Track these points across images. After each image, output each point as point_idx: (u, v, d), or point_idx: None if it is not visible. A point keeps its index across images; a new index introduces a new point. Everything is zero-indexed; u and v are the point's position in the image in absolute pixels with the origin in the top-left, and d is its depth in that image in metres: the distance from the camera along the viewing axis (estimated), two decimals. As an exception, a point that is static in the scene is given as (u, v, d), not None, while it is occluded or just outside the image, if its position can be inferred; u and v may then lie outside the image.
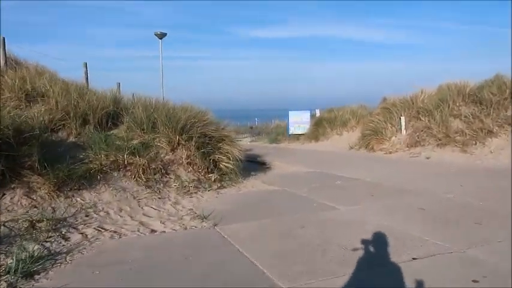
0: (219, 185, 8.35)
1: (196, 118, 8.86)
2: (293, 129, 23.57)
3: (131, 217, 5.68)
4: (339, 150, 16.28)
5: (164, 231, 5.20)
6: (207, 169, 8.45)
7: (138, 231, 5.18)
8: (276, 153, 16.28)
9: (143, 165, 6.99)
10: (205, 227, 5.34)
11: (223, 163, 9.09)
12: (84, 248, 4.43)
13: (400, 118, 14.19)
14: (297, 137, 23.05)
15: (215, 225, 5.39)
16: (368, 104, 20.85)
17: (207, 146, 8.80)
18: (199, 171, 8.22)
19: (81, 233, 4.86)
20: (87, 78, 11.48)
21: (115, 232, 5.08)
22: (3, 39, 8.74)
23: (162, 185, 7.06)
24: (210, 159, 8.66)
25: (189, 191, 7.23)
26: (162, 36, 21.72)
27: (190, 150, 8.34)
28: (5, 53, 8.76)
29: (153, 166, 7.21)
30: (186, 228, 5.32)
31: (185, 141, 8.34)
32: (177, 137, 8.24)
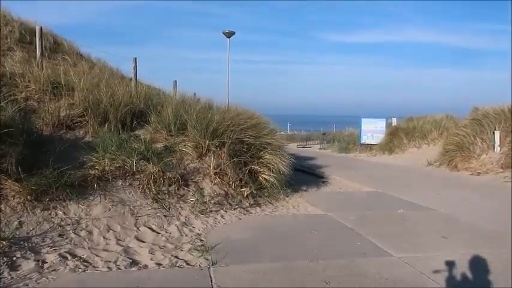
0: (252, 201, 7.00)
1: (232, 121, 7.61)
2: (365, 139, 21.35)
3: (118, 240, 4.59)
4: (414, 166, 13.95)
5: (145, 266, 4.00)
6: (240, 181, 7.15)
7: (115, 262, 4.04)
8: (340, 165, 14.47)
9: (156, 173, 5.90)
10: (198, 266, 4.03)
11: (263, 175, 7.73)
12: (26, 285, 3.38)
13: (493, 133, 11.58)
14: (370, 147, 20.78)
15: (213, 264, 4.06)
16: (457, 114, 17.98)
17: (244, 155, 7.51)
18: (229, 184, 6.95)
19: (38, 261, 3.84)
20: (135, 74, 10.87)
21: (84, 262, 3.99)
22: (41, 28, 8.34)
23: (176, 199, 5.91)
24: (246, 170, 7.35)
25: (207, 208, 5.98)
26: (230, 35, 20.95)
27: (221, 158, 7.11)
28: (42, 43, 8.34)
29: (169, 175, 6.09)
30: (174, 265, 4.06)
31: (216, 147, 7.13)
32: (206, 141, 7.06)
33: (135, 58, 10.76)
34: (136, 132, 7.15)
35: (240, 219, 6.02)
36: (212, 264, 4.04)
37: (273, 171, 7.80)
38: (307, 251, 4.53)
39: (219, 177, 6.87)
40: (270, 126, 8.98)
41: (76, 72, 8.01)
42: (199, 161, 6.93)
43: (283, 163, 7.96)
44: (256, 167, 7.60)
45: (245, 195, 7.01)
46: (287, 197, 7.95)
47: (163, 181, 5.98)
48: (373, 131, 21.21)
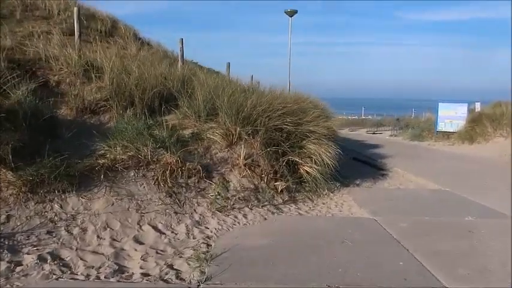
0: (286, 197, 6.16)
1: (269, 105, 6.75)
2: (442, 126, 19.08)
3: (112, 241, 4.06)
4: (498, 159, 11.93)
5: (129, 276, 3.41)
6: (275, 174, 6.33)
7: (98, 269, 3.51)
8: (407, 155, 12.91)
9: (174, 164, 5.30)
10: (187, 282, 3.34)
11: (305, 167, 6.82)
12: (-18, 293, 2.96)
13: None
14: (447, 135, 18.55)
15: (206, 280, 3.33)
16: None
17: (282, 144, 6.65)
18: (261, 177, 6.16)
19: (11, 262, 3.42)
20: (182, 56, 10.42)
21: (64, 266, 3.51)
22: (78, 9, 8.13)
23: (194, 193, 5.27)
24: (283, 161, 6.50)
25: (227, 205, 5.26)
26: (292, 13, 19.84)
27: (253, 147, 6.33)
28: (80, 25, 8.13)
29: (190, 166, 5.46)
30: (161, 277, 3.41)
31: (248, 135, 6.36)
32: (237, 128, 6.32)
33: (182, 39, 10.27)
34: (166, 117, 6.62)
35: (266, 219, 5.22)
36: (204, 281, 3.32)
37: (316, 163, 6.86)
38: (329, 270, 3.61)
39: (250, 169, 6.11)
40: (317, 111, 7.95)
41: (116, 55, 7.68)
42: (228, 151, 6.22)
43: (329, 154, 6.94)
44: (295, 158, 6.71)
45: (279, 189, 6.18)
46: (332, 192, 6.97)
47: (182, 172, 5.36)
48: (451, 117, 18.87)
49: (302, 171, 6.87)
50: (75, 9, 8.14)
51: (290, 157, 6.61)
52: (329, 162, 6.87)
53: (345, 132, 30.75)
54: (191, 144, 6.08)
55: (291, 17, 19.85)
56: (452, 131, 18.43)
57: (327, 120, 9.32)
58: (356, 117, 50.81)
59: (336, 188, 7.29)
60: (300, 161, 6.76)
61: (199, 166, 5.52)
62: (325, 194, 6.82)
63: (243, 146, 6.24)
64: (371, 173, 9.66)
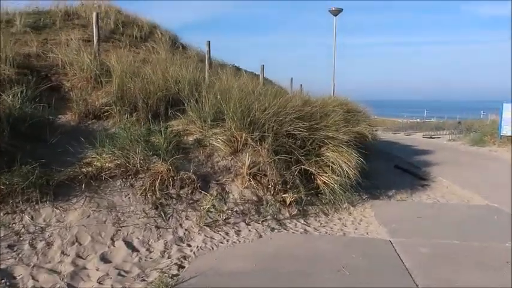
0: (295, 211, 5.52)
1: (281, 109, 6.15)
2: (507, 129, 17.09)
3: (77, 258, 3.71)
4: None
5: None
6: (284, 185, 5.71)
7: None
8: (459, 163, 11.57)
9: (165, 173, 4.90)
10: (132, 314, 2.88)
11: (323, 177, 6.13)
12: None
13: None
14: (512, 140, 16.58)
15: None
16: None
17: (296, 151, 6.02)
18: (267, 187, 5.58)
19: (-45, 280, 3.18)
20: (209, 58, 10.12)
21: (9, 287, 3.20)
22: (97, 15, 8.07)
23: (185, 205, 4.81)
24: (295, 171, 5.86)
25: (220, 220, 4.74)
26: (337, 12, 18.93)
27: (261, 155, 5.77)
28: (98, 30, 8.06)
29: (184, 175, 5.02)
30: (106, 307, 2.98)
31: (255, 141, 5.81)
32: (243, 134, 5.79)
33: (209, 41, 9.96)
34: (171, 123, 6.27)
35: (261, 236, 4.63)
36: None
37: (335, 173, 6.15)
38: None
39: (255, 179, 5.55)
40: (338, 115, 7.19)
41: (129, 59, 7.51)
42: (232, 158, 5.71)
43: (350, 163, 6.18)
44: (309, 168, 6.04)
45: (288, 202, 5.55)
46: (353, 206, 6.20)
47: (174, 182, 4.94)
48: (519, 119, 16.85)
49: (319, 181, 6.19)
50: (94, 14, 8.07)
51: (303, 166, 5.95)
52: (350, 172, 6.12)
53: (400, 137, 28.99)
54: (192, 152, 5.67)
55: (335, 16, 18.96)
56: (519, 135, 16.45)
57: (356, 124, 8.50)
58: (418, 120, 48.12)
59: (359, 201, 6.51)
60: (315, 171, 6.08)
61: (193, 175, 5.06)
62: (345, 208, 6.07)
63: (248, 153, 5.70)
64: (410, 183, 8.66)
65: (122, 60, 6.94)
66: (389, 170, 10.30)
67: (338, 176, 6.14)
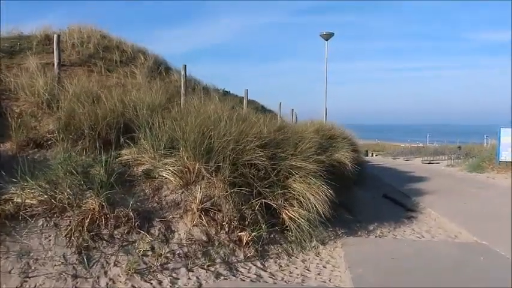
0: (253, 252, 4.85)
1: (241, 135, 5.58)
2: (505, 155, 16.43)
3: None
4: None
5: None
6: (242, 221, 5.07)
7: None
8: (453, 192, 10.88)
9: (97, 210, 4.29)
10: None
11: (290, 212, 5.50)
12: None
13: None
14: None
15: None
16: None
17: (258, 183, 5.41)
18: (221, 225, 4.94)
19: None
20: (185, 83, 9.67)
21: None
22: (58, 36, 7.66)
23: (116, 247, 4.18)
24: (256, 205, 5.23)
25: (155, 266, 4.09)
26: (328, 37, 18.64)
27: (216, 188, 5.16)
28: (59, 53, 7.62)
29: (120, 213, 4.40)
30: None
31: (211, 172, 5.21)
32: (196, 165, 5.20)
33: (185, 65, 9.54)
34: (123, 151, 5.69)
35: (200, 286, 3.96)
36: None
37: (304, 207, 5.52)
38: None
39: (207, 215, 4.92)
40: (310, 141, 6.60)
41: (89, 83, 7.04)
42: (182, 192, 5.09)
43: (319, 196, 5.56)
44: (274, 201, 5.42)
45: (244, 241, 4.90)
46: (323, 244, 5.53)
47: (107, 221, 4.32)
48: (517, 144, 16.20)
49: (284, 216, 5.55)
50: (55, 36, 7.66)
51: (265, 200, 5.32)
52: (319, 206, 5.48)
53: (398, 162, 28.30)
54: (139, 184, 5.07)
55: (326, 40, 18.67)
56: (518, 161, 15.77)
57: (335, 152, 7.90)
58: (421, 144, 47.51)
59: (333, 238, 5.85)
60: (278, 204, 5.45)
61: (132, 212, 4.45)
62: (313, 247, 5.40)
63: (200, 186, 5.09)
64: (396, 214, 7.99)
65: (79, 84, 6.46)
66: (376, 199, 9.64)
67: (306, 210, 5.52)
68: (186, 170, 5.21)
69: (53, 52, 12.69)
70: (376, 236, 6.32)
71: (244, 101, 11.25)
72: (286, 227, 5.50)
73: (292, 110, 16.26)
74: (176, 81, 13.82)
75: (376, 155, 43.13)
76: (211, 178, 5.20)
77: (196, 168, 5.20)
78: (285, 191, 5.66)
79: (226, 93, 18.27)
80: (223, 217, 4.99)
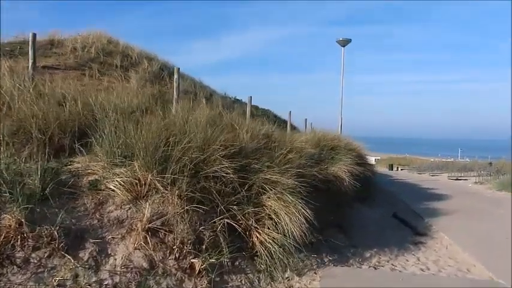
0: (205, 283, 4.02)
1: (206, 142, 4.79)
2: (540, 173, 14.91)
3: None
4: None
5: None
6: (199, 244, 4.26)
7: None
8: (474, 213, 9.67)
9: (13, 228, 3.59)
10: None
11: (262, 234, 4.65)
12: None
13: None
14: (547, 185, 14.37)
15: None
16: None
17: (224, 199, 4.60)
18: (172, 248, 4.14)
19: None
20: (178, 87, 9.03)
21: None
22: (34, 35, 7.15)
23: (29, 275, 3.45)
24: (219, 225, 4.41)
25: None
26: (345, 43, 17.72)
27: (170, 204, 4.38)
28: (34, 53, 7.09)
29: (43, 232, 3.69)
30: None
31: (166, 185, 4.43)
32: (148, 176, 4.44)
33: (178, 68, 8.90)
34: (76, 159, 5.01)
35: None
36: None
37: (279, 229, 4.67)
38: None
39: (156, 236, 4.15)
40: (295, 149, 5.75)
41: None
42: (129, 208, 4.33)
43: (296, 217, 4.67)
44: (244, 221, 4.58)
45: (197, 270, 4.08)
46: (299, 275, 4.63)
47: (23, 242, 3.61)
48: (553, 161, 14.67)
49: (255, 240, 4.70)
50: (31, 34, 7.14)
51: (228, 220, 4.49)
52: (294, 228, 4.60)
53: (423, 177, 26.68)
54: (81, 197, 4.36)
55: (343, 46, 17.75)
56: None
57: (331, 164, 6.98)
58: (452, 159, 45.33)
59: (314, 267, 4.94)
60: (243, 225, 4.61)
61: (56, 232, 3.72)
62: (286, 278, 4.52)
63: (151, 201, 4.32)
64: (403, 238, 6.97)
65: (51, 86, 5.91)
66: (384, 219, 8.60)
67: (280, 233, 4.66)
68: (137, 181, 4.46)
69: (53, 55, 12.31)
70: (370, 266, 5.34)
71: (248, 108, 10.47)
72: (256, 252, 4.66)
73: (306, 119, 15.38)
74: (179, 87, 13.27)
75: (401, 169, 41.26)
76: (166, 192, 4.43)
77: (148, 180, 4.44)
78: (258, 209, 4.81)
79: (236, 101, 17.62)
80: (174, 239, 4.19)
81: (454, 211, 9.55)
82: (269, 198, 4.82)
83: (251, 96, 10.85)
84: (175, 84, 8.44)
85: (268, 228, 4.74)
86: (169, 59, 16.03)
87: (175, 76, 8.58)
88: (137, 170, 4.49)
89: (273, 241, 4.62)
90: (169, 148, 4.56)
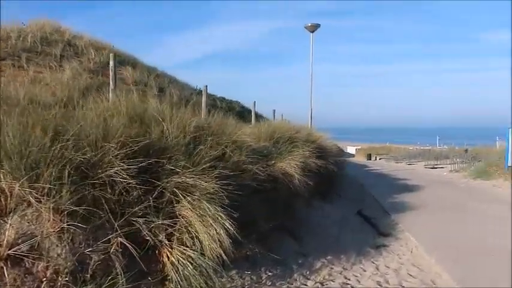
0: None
1: (101, 137, 3.76)
2: (515, 159, 14.38)
3: None
4: None
5: None
6: (84, 272, 3.25)
7: None
8: (446, 206, 8.91)
9: None
10: None
11: (174, 254, 3.68)
12: None
13: None
14: (523, 172, 13.83)
15: None
16: None
17: (127, 209, 3.60)
18: (41, 281, 3.13)
19: None
20: (114, 76, 7.93)
21: None
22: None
23: None
24: (112, 244, 3.41)
25: None
26: (314, 28, 16.79)
27: (44, 220, 3.34)
28: None
29: None
30: None
31: (40, 196, 3.40)
32: (16, 185, 3.40)
33: (114, 54, 7.82)
34: None
35: None
36: None
37: (197, 245, 3.72)
38: None
39: (20, 266, 3.12)
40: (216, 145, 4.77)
41: None
42: (-13, 228, 3.29)
43: (219, 235, 3.71)
44: (154, 238, 3.60)
45: (75, 309, 3.07)
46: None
47: None
48: (528, 147, 14.15)
49: (166, 260, 3.73)
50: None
51: (122, 239, 3.48)
52: (211, 244, 3.64)
53: (400, 166, 26.20)
54: None
55: (312, 32, 16.81)
56: (530, 166, 13.72)
57: (280, 160, 6.05)
58: (430, 147, 45.21)
59: (246, 287, 4.00)
60: (164, 242, 3.63)
61: None
62: (204, 309, 3.56)
63: (16, 218, 3.29)
64: (363, 241, 6.13)
65: None
66: (346, 218, 7.73)
67: (197, 250, 3.71)
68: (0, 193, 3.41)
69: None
70: (316, 282, 4.44)
71: (203, 98, 9.42)
72: (167, 275, 3.69)
73: (274, 110, 14.49)
74: (128, 78, 12.19)
75: (380, 159, 40.83)
76: (40, 205, 3.40)
77: (16, 190, 3.40)
78: (170, 221, 3.83)
79: (200, 93, 16.60)
80: (46, 268, 3.18)
81: (424, 205, 8.78)
82: (183, 206, 3.84)
83: (206, 86, 9.86)
84: (111, 73, 7.34)
85: (184, 244, 3.78)
86: (130, 50, 15.01)
87: (111, 63, 7.48)
88: (1, 178, 3.44)
89: (189, 261, 3.67)
90: (44, 148, 3.53)
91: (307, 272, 4.71)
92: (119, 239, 3.46)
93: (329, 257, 5.21)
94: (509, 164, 14.38)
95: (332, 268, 4.90)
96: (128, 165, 3.64)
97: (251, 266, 4.44)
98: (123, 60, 13.02)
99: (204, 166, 4.08)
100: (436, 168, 22.80)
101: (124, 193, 3.70)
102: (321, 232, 6.29)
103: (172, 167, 3.97)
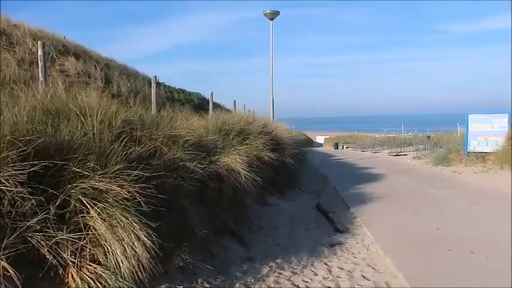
0: None
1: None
2: (474, 145, 14.51)
3: None
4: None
5: None
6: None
7: None
8: (405, 196, 8.64)
9: None
10: None
11: (79, 273, 3.05)
12: None
13: None
14: (482, 157, 13.93)
15: None
16: None
17: (19, 222, 2.92)
18: None
19: None
20: (44, 65, 7.09)
21: None
22: None
23: None
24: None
25: None
26: (273, 15, 16.24)
27: None
28: None
29: None
30: None
31: None
32: None
33: (43, 42, 6.90)
34: None
35: None
36: None
37: (111, 261, 3.11)
38: None
39: None
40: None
41: None
42: None
43: (135, 248, 3.11)
44: (55, 255, 2.95)
45: None
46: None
47: None
48: (487, 132, 14.29)
49: (70, 280, 3.10)
50: None
51: (5, 263, 2.82)
52: (124, 260, 3.05)
53: (365, 155, 26.28)
54: None
55: (271, 20, 16.25)
56: (488, 151, 13.81)
57: (225, 155, 5.48)
58: (395, 134, 45.89)
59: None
60: (69, 260, 2.99)
61: None
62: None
63: None
64: (317, 240, 5.69)
65: None
66: (302, 214, 7.28)
67: (110, 268, 3.10)
68: None
69: None
70: (255, 291, 3.93)
71: (153, 90, 8.65)
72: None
73: (234, 101, 13.82)
74: (70, 69, 11.33)
75: (346, 148, 41.16)
76: None
77: None
78: (78, 234, 3.19)
79: (158, 85, 15.75)
80: None
81: (384, 195, 8.47)
82: (92, 217, 3.21)
83: (156, 76, 9.10)
84: (40, 64, 6.47)
85: (96, 262, 3.16)
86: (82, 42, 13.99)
87: (39, 52, 6.59)
88: None
89: (99, 281, 3.06)
90: None
91: (252, 280, 4.19)
92: (2, 262, 2.81)
93: (278, 260, 4.72)
94: (469, 150, 14.49)
95: (280, 273, 4.40)
96: (15, 170, 2.97)
97: (186, 278, 3.87)
98: (66, 51, 12.06)
99: (118, 167, 3.45)
100: (399, 155, 22.94)
101: (15, 204, 3.04)
102: (272, 232, 5.81)
103: (79, 170, 3.32)
